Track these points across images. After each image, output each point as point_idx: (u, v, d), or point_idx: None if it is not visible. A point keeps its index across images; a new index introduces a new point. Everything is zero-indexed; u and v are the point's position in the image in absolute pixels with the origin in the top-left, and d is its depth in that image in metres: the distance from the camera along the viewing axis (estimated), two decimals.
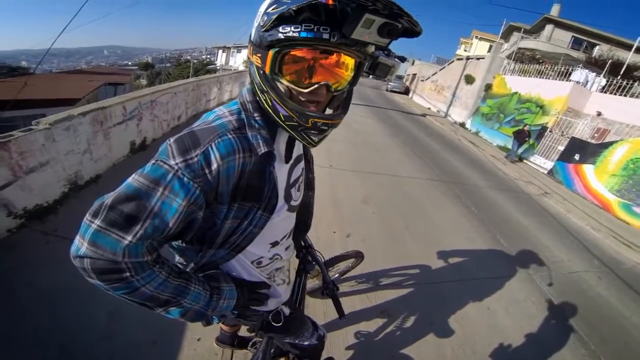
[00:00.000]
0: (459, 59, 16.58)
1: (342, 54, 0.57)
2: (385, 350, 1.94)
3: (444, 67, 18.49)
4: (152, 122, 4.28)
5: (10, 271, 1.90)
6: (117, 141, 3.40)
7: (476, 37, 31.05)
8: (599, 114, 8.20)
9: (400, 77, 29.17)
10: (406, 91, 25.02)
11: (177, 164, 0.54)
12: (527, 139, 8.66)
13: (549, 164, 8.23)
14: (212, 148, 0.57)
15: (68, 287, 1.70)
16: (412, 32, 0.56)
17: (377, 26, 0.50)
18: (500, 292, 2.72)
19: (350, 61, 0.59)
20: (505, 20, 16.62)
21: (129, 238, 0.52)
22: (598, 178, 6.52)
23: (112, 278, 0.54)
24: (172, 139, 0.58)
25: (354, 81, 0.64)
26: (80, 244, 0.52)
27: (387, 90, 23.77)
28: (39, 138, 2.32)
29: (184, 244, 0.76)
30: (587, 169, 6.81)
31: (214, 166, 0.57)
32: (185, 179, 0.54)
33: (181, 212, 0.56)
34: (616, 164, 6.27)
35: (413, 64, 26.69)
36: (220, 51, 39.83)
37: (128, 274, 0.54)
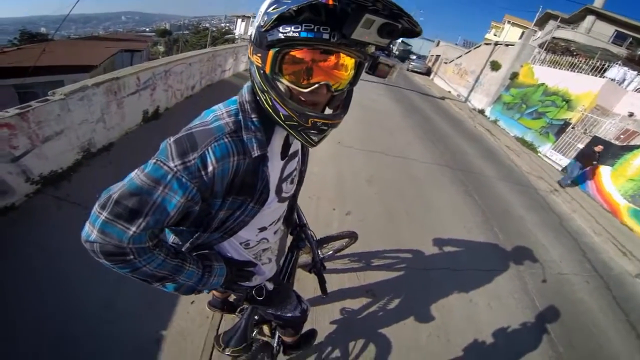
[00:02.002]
0: (486, 44, 15.67)
1: (342, 54, 0.58)
2: (366, 328, 2.06)
3: (470, 51, 17.58)
4: (165, 92, 4.36)
5: (26, 235, 2.03)
6: (130, 110, 3.50)
7: (508, 22, 29.08)
8: (631, 114, 7.71)
9: (422, 57, 27.94)
10: (428, 72, 24.06)
11: (176, 166, 0.59)
12: (594, 162, 6.37)
13: (564, 161, 7.96)
14: (208, 152, 0.61)
15: (77, 251, 1.82)
16: (412, 32, 0.57)
17: (377, 26, 0.51)
18: (486, 286, 2.77)
19: (350, 61, 0.60)
20: (542, 6, 15.19)
21: (133, 229, 0.59)
22: (613, 181, 6.27)
23: (117, 259, 0.62)
24: (172, 139, 0.62)
25: (354, 81, 0.66)
26: (90, 231, 0.59)
27: (407, 69, 22.90)
28: (54, 108, 2.42)
29: (181, 227, 0.84)
30: (604, 170, 6.55)
31: (210, 168, 0.61)
32: (183, 179, 0.60)
33: (179, 207, 0.61)
34: (638, 169, 5.99)
35: (438, 44, 25.40)
36: (240, 20, 38.63)
37: (132, 256, 0.62)
